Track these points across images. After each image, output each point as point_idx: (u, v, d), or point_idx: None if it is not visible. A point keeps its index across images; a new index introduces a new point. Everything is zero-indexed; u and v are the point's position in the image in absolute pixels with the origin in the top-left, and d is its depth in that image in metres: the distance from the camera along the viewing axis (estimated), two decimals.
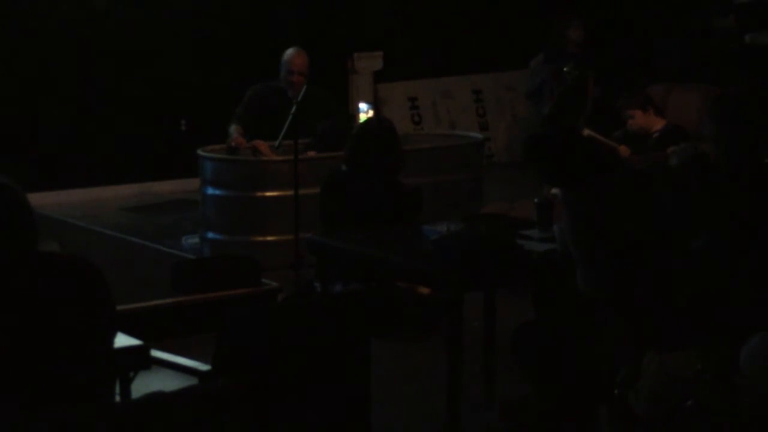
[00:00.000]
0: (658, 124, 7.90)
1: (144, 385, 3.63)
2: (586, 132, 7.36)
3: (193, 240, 7.93)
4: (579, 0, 10.94)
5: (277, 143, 7.53)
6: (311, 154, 7.56)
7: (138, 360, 3.66)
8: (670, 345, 3.84)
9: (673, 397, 3.66)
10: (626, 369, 3.84)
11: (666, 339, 3.92)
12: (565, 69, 10.11)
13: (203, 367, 3.93)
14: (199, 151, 7.72)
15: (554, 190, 7.70)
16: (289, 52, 7.89)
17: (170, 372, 4.01)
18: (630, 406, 3.76)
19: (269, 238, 7.37)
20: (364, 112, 8.15)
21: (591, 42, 10.26)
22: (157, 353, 3.94)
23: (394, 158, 6.00)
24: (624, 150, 7.64)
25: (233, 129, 7.81)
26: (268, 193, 7.42)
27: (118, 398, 3.54)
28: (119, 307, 3.38)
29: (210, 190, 7.62)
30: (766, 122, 4.59)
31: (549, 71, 10.22)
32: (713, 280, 4.14)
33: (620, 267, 4.15)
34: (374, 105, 9.98)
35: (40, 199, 7.82)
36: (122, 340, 3.55)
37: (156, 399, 2.91)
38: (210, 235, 7.59)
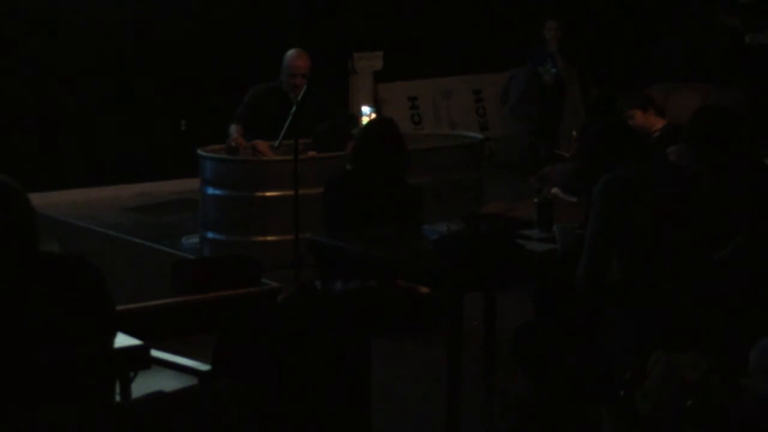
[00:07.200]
0: (658, 124, 7.88)
1: (144, 385, 3.63)
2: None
3: (193, 240, 7.93)
4: (579, 0, 10.95)
5: (277, 143, 7.53)
6: (311, 154, 7.55)
7: (138, 360, 3.66)
8: (678, 345, 3.84)
9: (680, 397, 3.65)
10: (632, 369, 3.84)
11: (673, 339, 3.92)
12: (540, 69, 10.12)
13: (203, 367, 3.93)
14: (199, 151, 7.72)
15: (554, 190, 7.72)
16: (291, 54, 7.85)
17: (170, 372, 4.01)
18: (635, 407, 3.76)
19: (269, 238, 7.37)
20: (368, 115, 8.14)
21: (572, 41, 10.25)
22: (157, 353, 3.94)
23: (401, 158, 5.98)
24: None
25: (233, 129, 7.80)
26: (268, 193, 7.41)
27: (118, 398, 3.54)
28: (119, 307, 3.38)
29: (210, 190, 7.62)
30: (732, 133, 4.72)
31: (523, 71, 10.25)
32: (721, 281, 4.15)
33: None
34: (374, 105, 9.97)
35: (40, 199, 7.79)
36: (122, 340, 3.55)
37: (156, 399, 2.91)
38: (210, 235, 7.59)
